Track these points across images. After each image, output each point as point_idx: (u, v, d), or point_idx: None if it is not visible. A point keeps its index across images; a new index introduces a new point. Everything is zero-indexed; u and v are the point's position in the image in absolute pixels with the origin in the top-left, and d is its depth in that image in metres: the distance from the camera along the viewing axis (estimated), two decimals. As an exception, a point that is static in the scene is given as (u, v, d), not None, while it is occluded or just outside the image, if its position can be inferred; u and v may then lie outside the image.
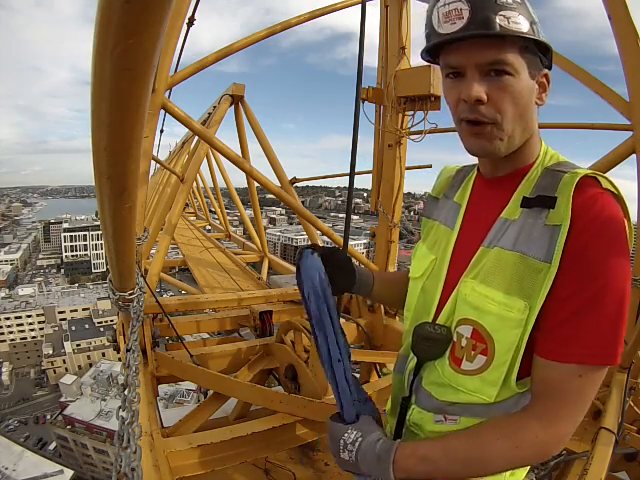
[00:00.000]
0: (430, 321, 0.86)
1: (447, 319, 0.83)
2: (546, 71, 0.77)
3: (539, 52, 0.74)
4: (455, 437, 0.77)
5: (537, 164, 0.79)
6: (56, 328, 50.43)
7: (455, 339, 0.81)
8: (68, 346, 46.17)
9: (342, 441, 0.82)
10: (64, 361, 45.99)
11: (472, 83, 0.72)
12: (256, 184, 4.06)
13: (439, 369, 0.84)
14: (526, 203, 0.75)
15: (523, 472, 0.87)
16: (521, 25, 0.69)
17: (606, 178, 0.71)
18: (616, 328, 0.66)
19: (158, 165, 8.74)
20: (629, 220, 0.71)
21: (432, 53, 0.79)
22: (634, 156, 1.93)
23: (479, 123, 0.74)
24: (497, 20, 0.68)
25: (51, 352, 46.33)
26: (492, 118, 0.73)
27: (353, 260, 1.08)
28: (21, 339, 52.23)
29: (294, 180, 3.98)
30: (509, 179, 0.81)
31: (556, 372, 0.68)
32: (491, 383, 0.76)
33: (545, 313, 0.70)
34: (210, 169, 7.94)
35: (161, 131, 7.33)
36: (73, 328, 48.85)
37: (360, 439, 0.80)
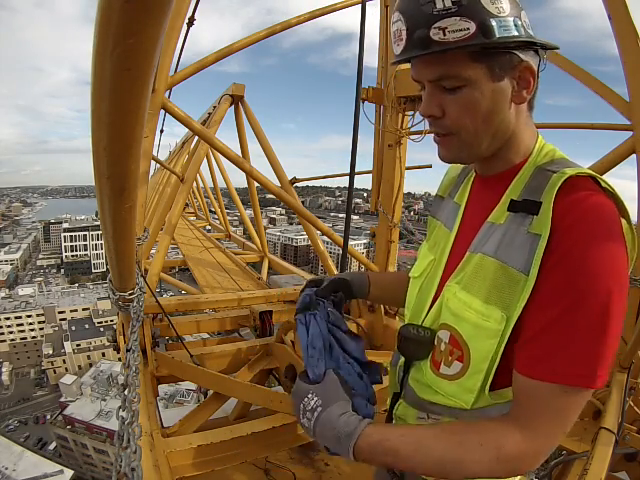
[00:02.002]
0: (421, 322, 0.86)
1: (433, 322, 0.83)
2: (526, 64, 0.67)
3: (512, 48, 0.65)
4: (433, 435, 0.68)
5: (529, 162, 0.74)
6: (56, 328, 50.45)
7: (436, 343, 0.80)
8: (68, 346, 46.18)
9: (302, 405, 0.73)
10: (64, 361, 46.01)
11: (425, 100, 0.71)
12: (256, 184, 4.06)
13: (423, 369, 0.85)
14: (513, 207, 0.71)
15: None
16: (463, 31, 0.61)
17: (596, 176, 0.67)
18: (597, 345, 0.59)
19: (158, 165, 8.75)
20: (629, 221, 0.66)
21: None
22: (634, 156, 1.93)
23: (439, 134, 0.74)
24: (431, 35, 0.62)
25: (51, 352, 46.35)
26: (449, 130, 0.72)
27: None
28: (21, 339, 52.26)
29: (294, 180, 3.98)
30: (499, 179, 0.77)
31: (532, 388, 0.63)
32: (468, 390, 0.75)
33: (522, 325, 0.66)
34: (210, 169, 7.94)
35: (161, 131, 7.36)
36: (73, 328, 48.87)
37: (320, 408, 0.71)
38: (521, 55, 0.66)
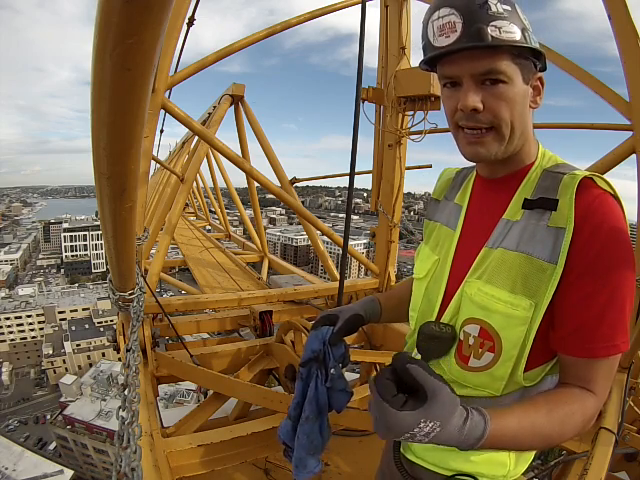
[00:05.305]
0: (434, 320, 0.88)
1: (451, 318, 0.85)
2: (540, 74, 0.79)
3: (532, 56, 0.75)
4: (542, 417, 0.70)
5: (536, 166, 0.81)
6: (56, 328, 50.42)
7: (462, 338, 0.82)
8: (68, 346, 46.16)
9: (409, 434, 0.62)
10: (64, 361, 45.99)
11: (468, 93, 0.74)
12: (256, 184, 4.06)
13: (444, 367, 0.86)
14: (527, 204, 0.77)
15: (525, 464, 0.90)
16: (513, 34, 0.71)
17: (603, 179, 0.74)
18: (627, 321, 0.72)
19: (158, 165, 8.75)
20: (625, 219, 0.74)
21: (430, 63, 0.81)
22: (634, 156, 1.92)
23: (478, 129, 0.76)
24: (489, 31, 0.70)
25: (51, 352, 46.33)
26: (489, 123, 0.75)
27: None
28: (21, 339, 52.23)
29: (294, 180, 3.98)
30: (508, 180, 0.83)
31: (594, 364, 0.74)
32: (498, 378, 0.79)
33: (562, 315, 0.73)
34: (210, 169, 7.94)
35: (161, 131, 7.35)
36: (73, 328, 48.85)
37: (438, 430, 0.62)
38: (538, 65, 0.77)
